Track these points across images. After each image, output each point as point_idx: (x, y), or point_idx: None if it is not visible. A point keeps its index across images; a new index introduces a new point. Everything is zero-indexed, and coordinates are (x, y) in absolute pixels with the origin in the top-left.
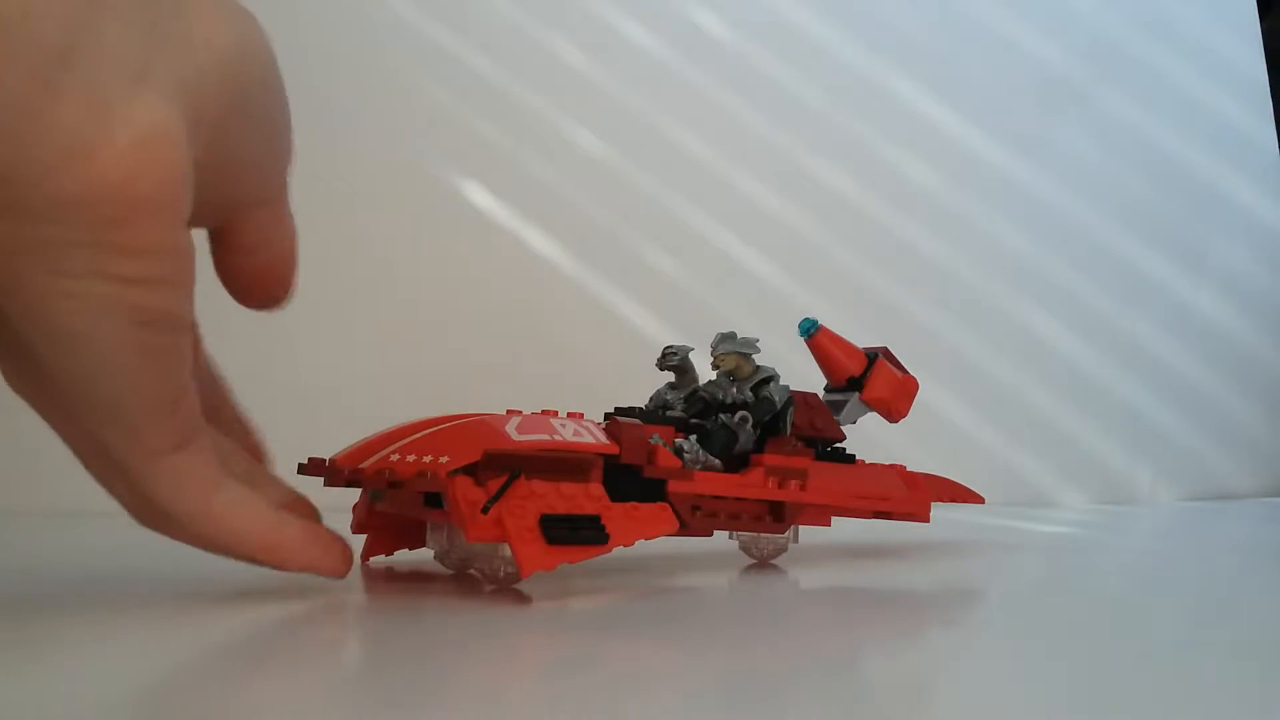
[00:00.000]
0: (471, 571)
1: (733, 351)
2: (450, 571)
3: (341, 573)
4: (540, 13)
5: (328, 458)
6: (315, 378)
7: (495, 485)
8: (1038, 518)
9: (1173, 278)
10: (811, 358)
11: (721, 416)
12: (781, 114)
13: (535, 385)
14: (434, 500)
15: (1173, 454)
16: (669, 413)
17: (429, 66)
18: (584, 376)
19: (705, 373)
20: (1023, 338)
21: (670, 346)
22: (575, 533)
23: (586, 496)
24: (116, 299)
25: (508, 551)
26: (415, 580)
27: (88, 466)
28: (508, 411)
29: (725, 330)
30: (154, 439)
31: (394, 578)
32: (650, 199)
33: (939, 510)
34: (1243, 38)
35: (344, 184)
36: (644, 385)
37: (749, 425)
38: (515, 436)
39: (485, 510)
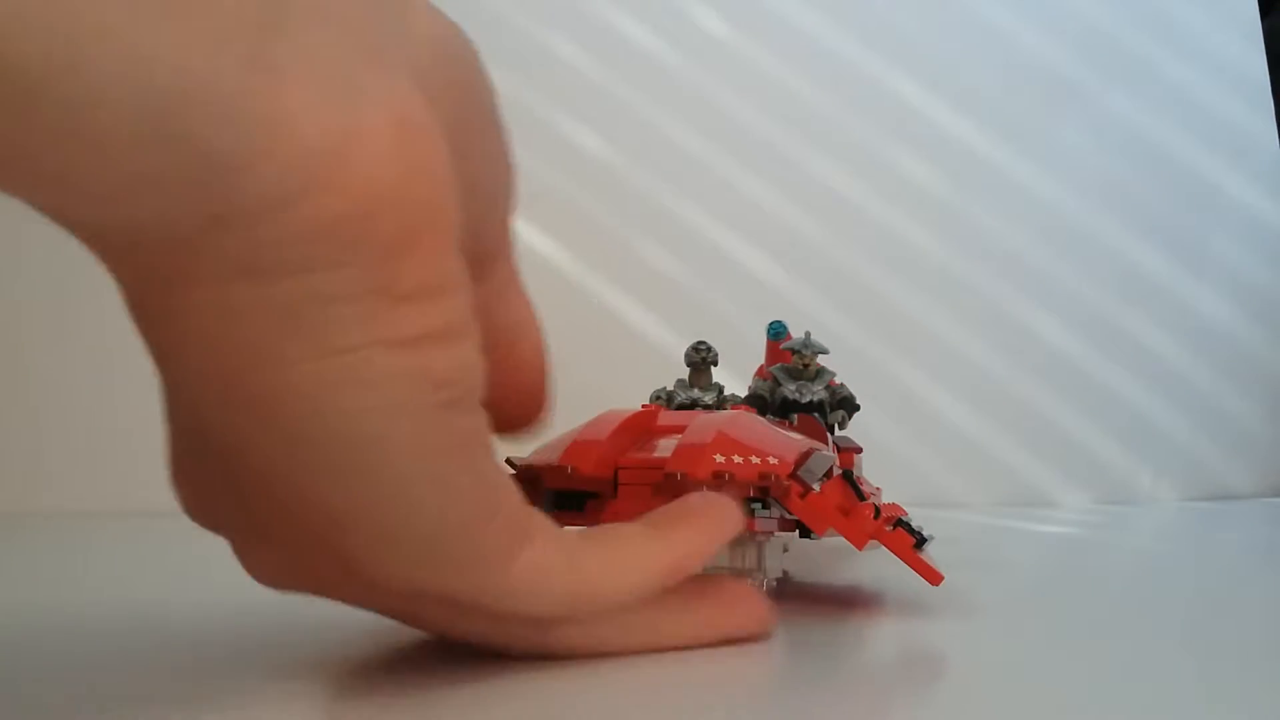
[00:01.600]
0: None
1: (818, 352)
2: None
3: (734, 525)
4: (540, 13)
5: (551, 461)
6: None
7: (833, 490)
8: (1038, 518)
9: (1173, 277)
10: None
11: (814, 415)
12: (782, 113)
13: None
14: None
15: (1173, 454)
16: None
17: None
18: (583, 375)
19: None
20: (1022, 337)
21: (703, 341)
22: (921, 540)
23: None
24: (409, 374)
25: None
26: None
27: (410, 621)
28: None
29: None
30: (490, 551)
31: None
32: (650, 198)
33: (938, 511)
34: (1244, 37)
35: None
36: (644, 384)
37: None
38: (793, 438)
39: (877, 517)
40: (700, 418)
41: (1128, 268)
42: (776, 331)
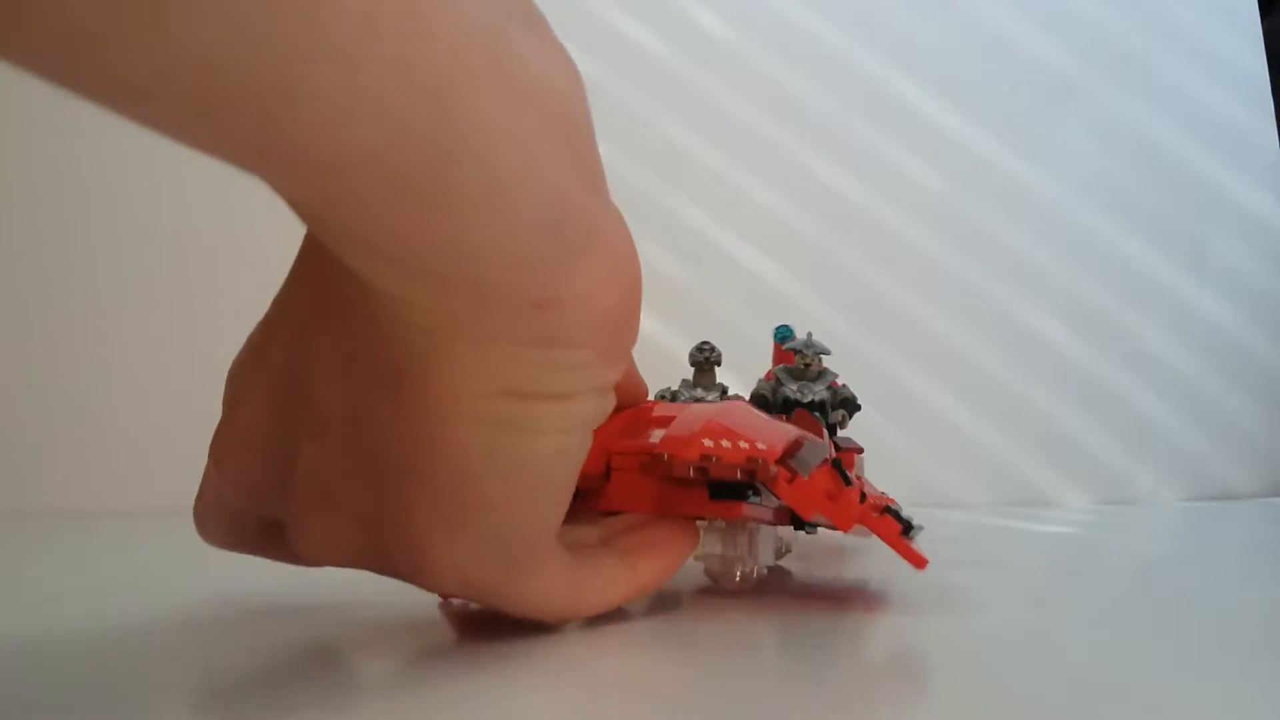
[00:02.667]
0: (707, 574)
1: (820, 353)
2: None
3: (690, 550)
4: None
5: None
6: None
7: (820, 476)
8: (1037, 518)
9: (1173, 277)
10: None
11: (815, 414)
12: (782, 113)
13: None
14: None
15: (1173, 454)
16: None
17: None
18: None
19: (684, 369)
20: (1022, 336)
21: (707, 342)
22: (909, 526)
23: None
24: (598, 410)
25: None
26: None
27: (424, 586)
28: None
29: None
30: (541, 551)
31: None
32: (651, 199)
33: (938, 510)
34: (1244, 37)
35: None
36: (649, 384)
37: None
38: (785, 428)
39: (862, 502)
40: (693, 407)
41: (1127, 267)
42: (783, 335)
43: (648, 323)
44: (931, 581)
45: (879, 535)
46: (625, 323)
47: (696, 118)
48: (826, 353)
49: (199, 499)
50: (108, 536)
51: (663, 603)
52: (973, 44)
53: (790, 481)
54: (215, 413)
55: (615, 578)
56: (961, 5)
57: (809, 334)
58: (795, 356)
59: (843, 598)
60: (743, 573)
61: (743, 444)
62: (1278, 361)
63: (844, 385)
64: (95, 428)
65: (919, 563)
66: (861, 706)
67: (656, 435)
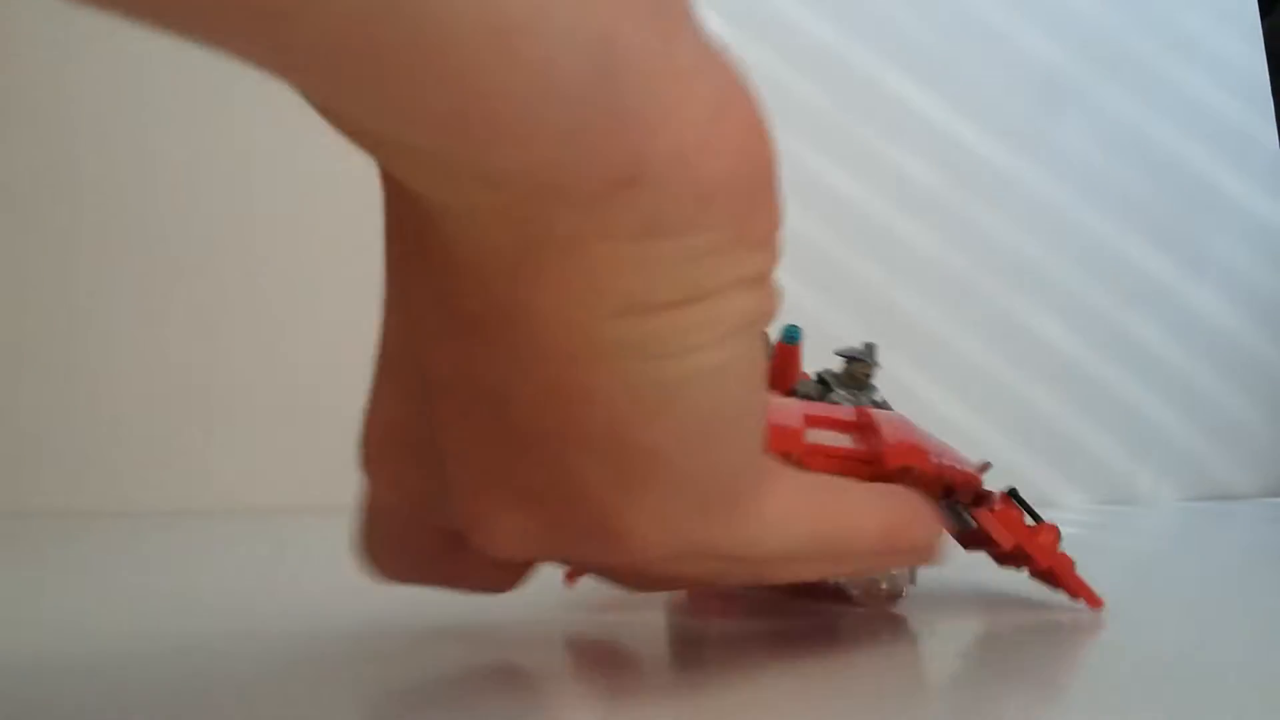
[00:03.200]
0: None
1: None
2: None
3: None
4: None
5: None
6: (313, 376)
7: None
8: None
9: (1173, 277)
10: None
11: None
12: (781, 113)
13: None
14: None
15: (1173, 454)
16: None
17: None
18: None
19: None
20: (1022, 336)
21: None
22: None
23: None
24: (752, 309)
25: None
26: None
27: (638, 582)
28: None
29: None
30: (751, 492)
31: None
32: None
33: None
34: (1244, 37)
35: (344, 184)
36: None
37: None
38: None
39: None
40: (874, 414)
41: (1127, 267)
42: (790, 335)
43: None
44: (934, 581)
45: (1057, 573)
46: (752, 189)
47: None
48: (879, 366)
49: (362, 527)
50: (108, 537)
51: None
52: (972, 43)
53: (994, 509)
54: (214, 413)
55: (870, 502)
56: (960, 4)
57: (870, 344)
58: (851, 363)
59: (840, 595)
60: (889, 588)
61: (950, 462)
62: (1278, 361)
63: (885, 402)
64: (95, 428)
65: (1095, 602)
66: (860, 704)
67: (831, 437)
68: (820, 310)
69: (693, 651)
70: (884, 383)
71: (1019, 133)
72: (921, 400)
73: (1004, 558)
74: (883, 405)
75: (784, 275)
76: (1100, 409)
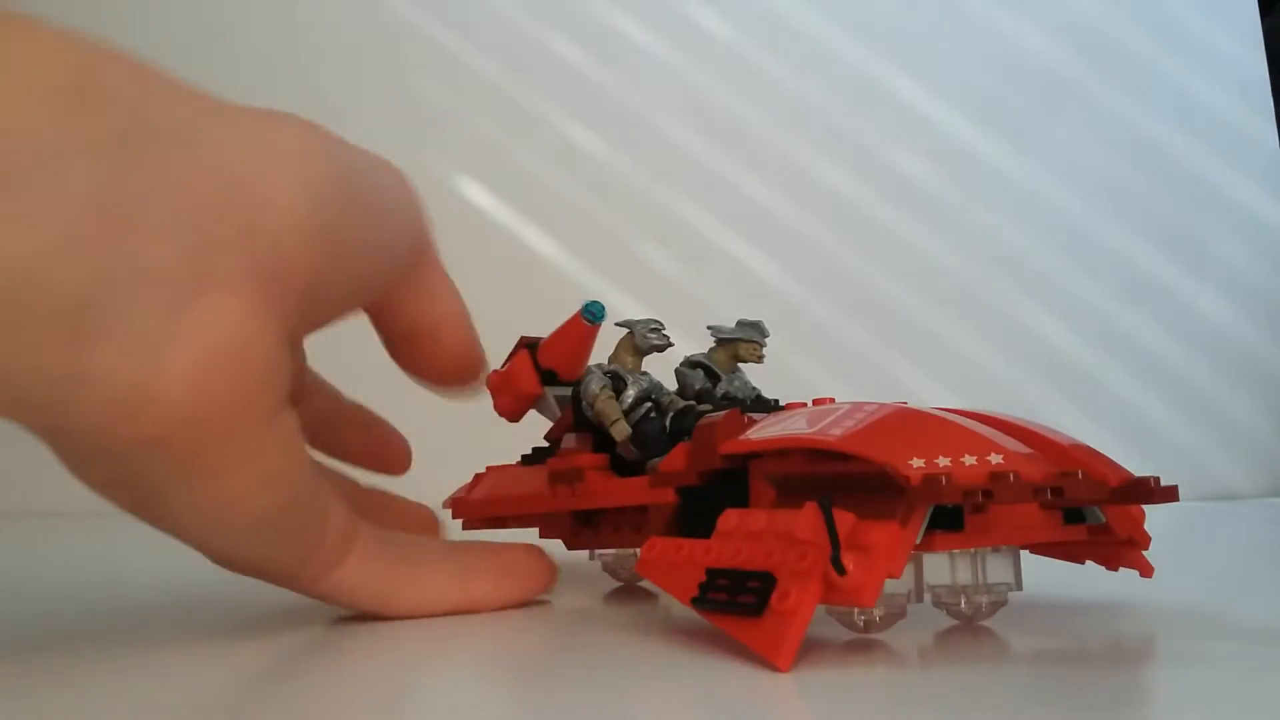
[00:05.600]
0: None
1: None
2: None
3: (547, 584)
4: (540, 13)
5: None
6: None
7: None
8: None
9: (1173, 277)
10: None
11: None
12: (781, 113)
13: None
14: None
15: (1173, 454)
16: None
17: (429, 66)
18: None
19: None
20: (1022, 337)
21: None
22: None
23: None
24: (228, 506)
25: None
26: None
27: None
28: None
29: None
30: (312, 569)
31: None
32: (650, 198)
33: None
34: (1243, 37)
35: None
36: None
37: None
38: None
39: None
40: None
41: (1128, 268)
42: (593, 313)
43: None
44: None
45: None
46: (184, 447)
47: (696, 117)
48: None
49: None
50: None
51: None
52: (972, 43)
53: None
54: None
55: (440, 587)
56: (960, 4)
57: (754, 321)
58: (739, 346)
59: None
60: (989, 601)
61: (996, 458)
62: (1278, 361)
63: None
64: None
65: (1148, 569)
66: (855, 702)
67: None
68: (819, 309)
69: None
70: (881, 381)
71: (1019, 132)
72: (921, 399)
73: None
74: (744, 398)
75: (783, 274)
76: (1100, 409)
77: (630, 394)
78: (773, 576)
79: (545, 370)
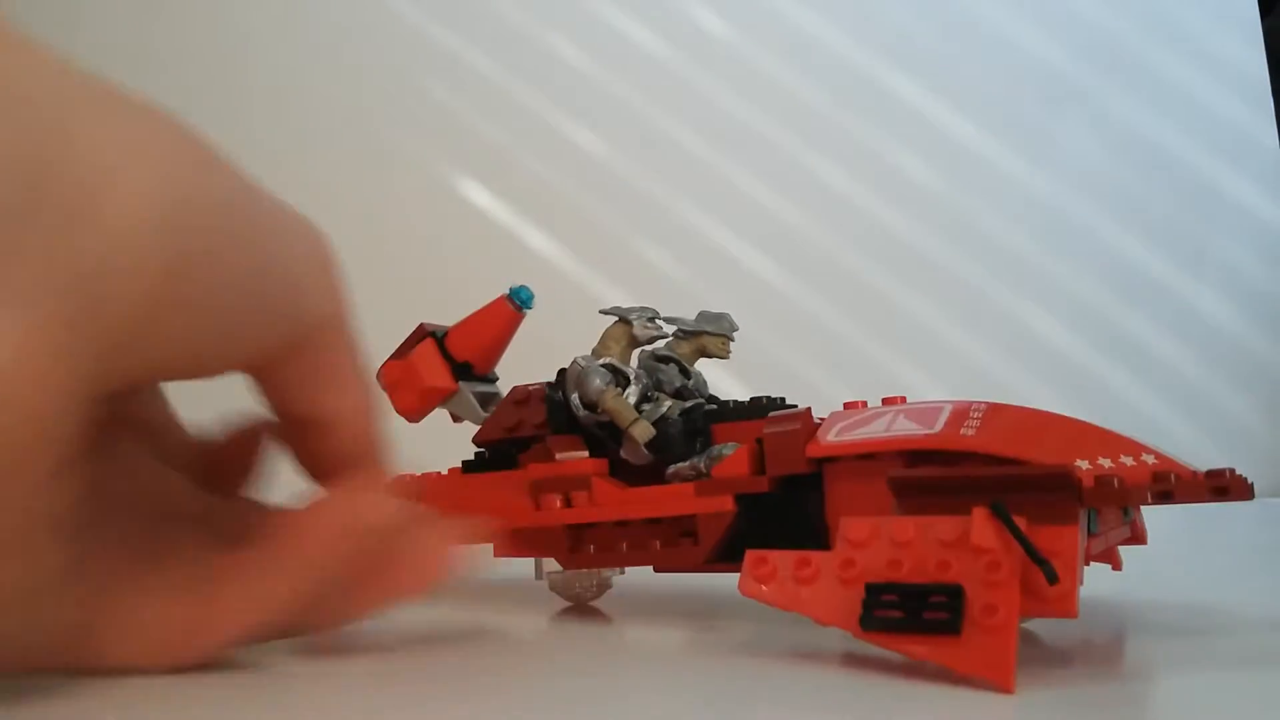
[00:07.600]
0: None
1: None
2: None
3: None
4: (540, 13)
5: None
6: None
7: None
8: None
9: (1174, 277)
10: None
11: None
12: (782, 113)
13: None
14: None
15: (1173, 453)
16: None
17: (429, 66)
18: None
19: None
20: (1021, 336)
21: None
22: None
23: None
24: None
25: None
26: None
27: None
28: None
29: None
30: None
31: None
32: (650, 198)
33: None
34: (1244, 37)
35: (343, 183)
36: None
37: None
38: None
39: None
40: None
41: (1128, 267)
42: (521, 298)
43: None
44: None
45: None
46: None
47: (696, 117)
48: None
49: None
50: None
51: None
52: (972, 44)
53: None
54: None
55: (243, 600)
56: (960, 4)
57: (719, 313)
58: (705, 340)
59: None
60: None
61: (1149, 458)
62: (1278, 361)
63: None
64: None
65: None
66: (853, 703)
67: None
68: (819, 309)
69: None
70: (882, 381)
71: (1020, 133)
72: (920, 400)
73: None
74: (685, 394)
75: (783, 274)
76: (1100, 409)
77: (634, 391)
78: (961, 589)
79: (460, 363)
